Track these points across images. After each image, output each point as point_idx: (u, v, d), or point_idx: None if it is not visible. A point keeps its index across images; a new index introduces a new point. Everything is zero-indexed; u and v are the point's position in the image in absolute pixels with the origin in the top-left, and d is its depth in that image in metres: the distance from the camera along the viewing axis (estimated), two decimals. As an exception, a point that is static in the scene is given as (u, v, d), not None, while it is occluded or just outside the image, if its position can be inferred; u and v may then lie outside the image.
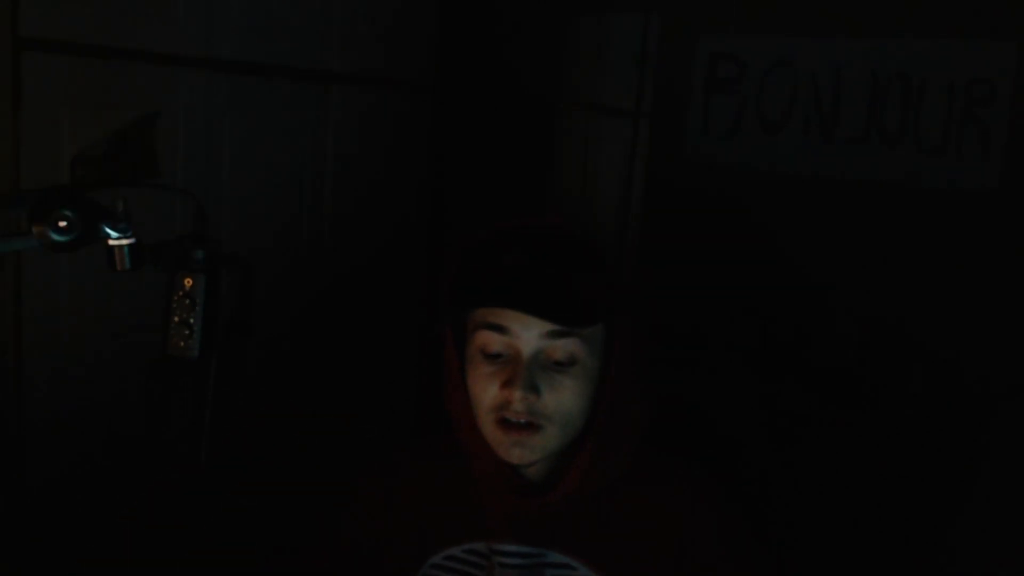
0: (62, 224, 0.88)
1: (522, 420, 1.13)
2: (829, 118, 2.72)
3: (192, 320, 0.95)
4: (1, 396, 1.97)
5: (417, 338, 2.85)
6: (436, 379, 1.24)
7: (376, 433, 2.64)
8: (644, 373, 1.19)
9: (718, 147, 2.89)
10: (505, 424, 1.14)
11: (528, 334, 1.13)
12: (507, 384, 1.13)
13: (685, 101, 2.94)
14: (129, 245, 0.92)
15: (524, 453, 1.14)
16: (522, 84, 2.98)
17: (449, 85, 2.89)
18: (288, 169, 2.51)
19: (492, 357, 1.15)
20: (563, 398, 1.14)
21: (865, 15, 2.64)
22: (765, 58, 2.80)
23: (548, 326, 1.12)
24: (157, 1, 2.14)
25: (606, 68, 3.31)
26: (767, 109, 2.81)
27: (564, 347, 1.13)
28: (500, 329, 1.14)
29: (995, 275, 2.47)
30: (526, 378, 1.12)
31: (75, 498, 2.08)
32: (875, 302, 2.61)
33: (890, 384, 2.50)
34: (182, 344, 0.95)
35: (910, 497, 2.32)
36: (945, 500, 2.30)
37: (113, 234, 0.91)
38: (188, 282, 0.95)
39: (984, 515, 2.26)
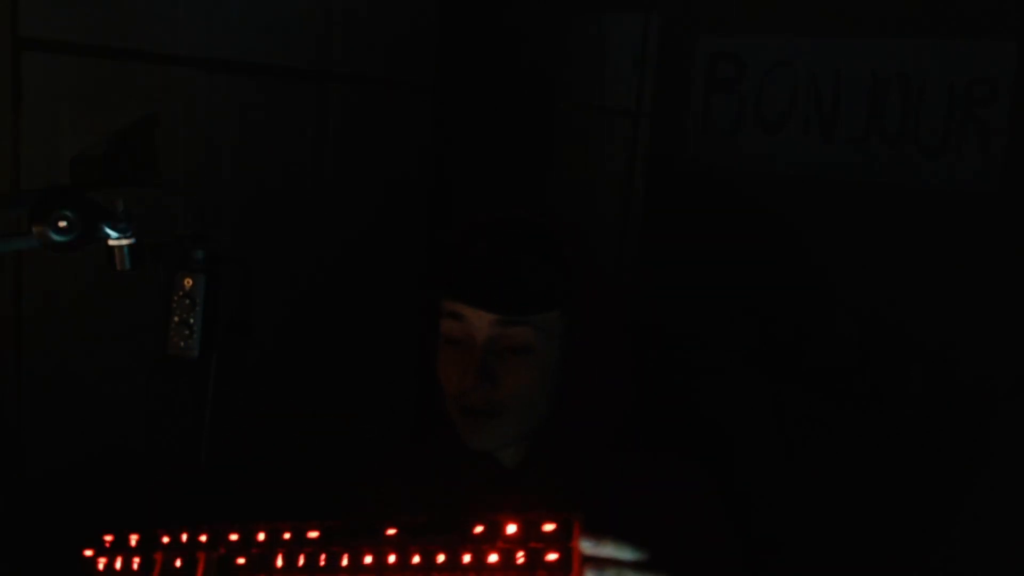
0: (62, 224, 0.88)
1: (479, 407, 1.17)
2: (829, 118, 2.72)
3: (192, 320, 0.95)
4: (0, 396, 1.97)
5: (416, 335, 2.85)
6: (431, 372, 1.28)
7: (376, 433, 2.64)
8: (612, 361, 1.22)
9: (718, 147, 2.89)
10: (464, 412, 1.18)
11: (480, 322, 1.17)
12: (464, 372, 1.17)
13: (685, 101, 2.94)
14: (129, 245, 0.92)
15: (483, 439, 1.19)
16: (522, 84, 2.99)
17: (449, 85, 2.89)
18: (288, 169, 2.51)
19: (454, 344, 1.20)
20: (518, 385, 1.18)
21: (865, 15, 2.64)
22: (765, 58, 2.80)
23: (498, 315, 1.17)
24: (157, 1, 2.14)
25: (606, 68, 3.31)
26: (767, 109, 2.81)
27: (517, 335, 1.18)
28: (456, 316, 1.19)
29: (995, 275, 2.47)
30: (480, 366, 1.16)
31: (75, 498, 2.08)
32: (875, 302, 2.61)
33: (890, 384, 2.50)
34: (182, 344, 0.95)
35: (910, 497, 2.32)
36: (945, 500, 2.30)
37: (113, 234, 0.91)
38: (188, 282, 0.95)
39: (984, 515, 2.26)
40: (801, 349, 2.64)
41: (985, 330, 2.48)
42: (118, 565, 1.12)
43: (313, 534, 1.04)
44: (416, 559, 0.97)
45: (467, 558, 0.96)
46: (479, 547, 0.96)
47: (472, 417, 1.17)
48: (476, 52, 2.93)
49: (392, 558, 0.98)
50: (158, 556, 1.10)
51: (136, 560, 1.11)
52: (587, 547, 0.93)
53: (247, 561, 1.06)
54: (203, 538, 1.10)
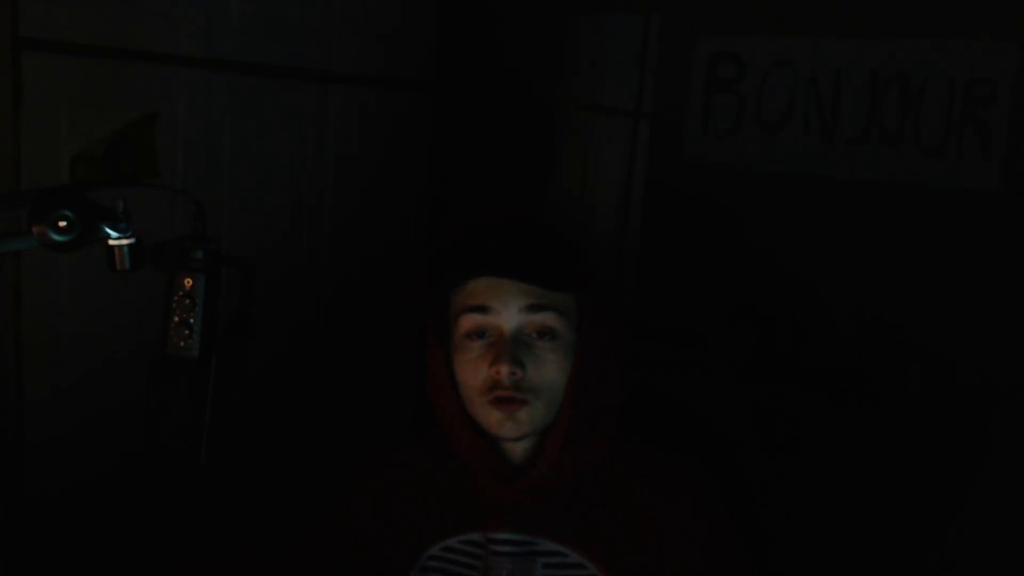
0: (62, 224, 0.88)
1: (510, 396, 1.18)
2: (829, 118, 2.72)
3: (192, 320, 0.95)
4: (1, 395, 1.97)
5: (415, 335, 2.85)
6: (422, 373, 1.27)
7: (375, 432, 2.64)
8: (615, 352, 1.23)
9: (718, 147, 2.90)
10: (496, 402, 1.18)
11: (507, 310, 1.18)
12: (494, 362, 1.18)
13: (685, 101, 2.94)
14: (129, 245, 0.92)
15: (515, 427, 1.19)
16: (522, 84, 2.99)
17: (449, 85, 2.89)
18: (288, 169, 2.51)
19: (477, 339, 1.20)
20: (546, 371, 1.19)
21: (865, 15, 2.64)
22: (765, 58, 2.80)
23: (525, 299, 1.18)
24: (157, 1, 2.14)
25: (606, 68, 3.31)
26: (767, 109, 2.81)
27: (543, 320, 1.19)
28: (481, 309, 1.19)
29: (995, 275, 2.47)
30: (510, 354, 1.17)
31: (75, 499, 2.08)
32: (875, 302, 2.61)
33: (890, 384, 2.50)
34: (182, 344, 0.95)
35: (910, 496, 2.32)
36: (945, 499, 2.30)
37: (113, 234, 0.91)
38: (188, 282, 0.95)
39: (984, 514, 2.26)
40: (801, 349, 2.64)
41: (985, 330, 2.48)
42: None
43: None
44: None
45: None
46: None
47: (504, 406, 1.17)
48: (476, 52, 2.94)
49: None
50: None
51: None
52: None
53: None
54: None
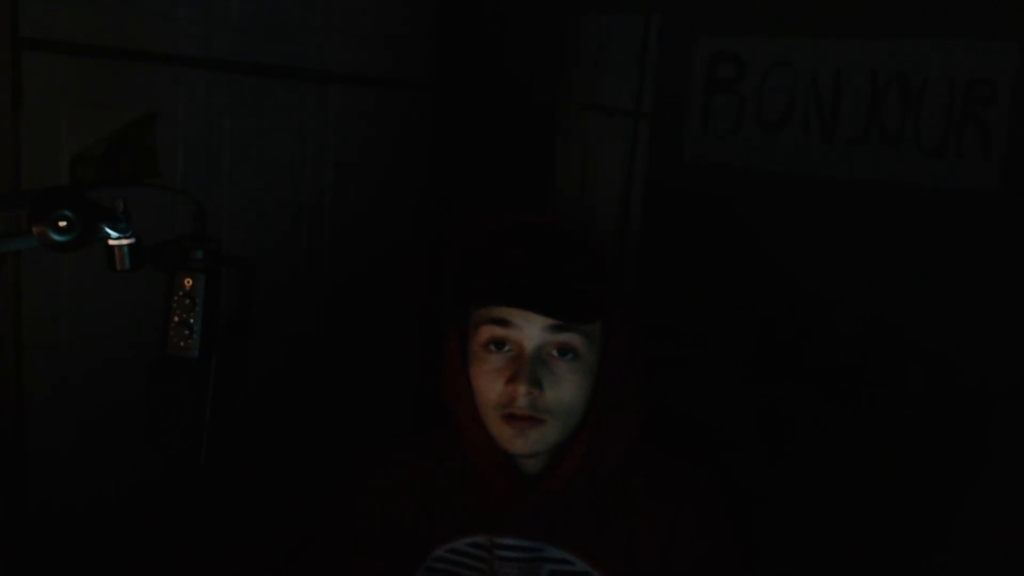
0: (62, 224, 0.88)
1: (526, 414, 1.16)
2: (829, 118, 2.72)
3: (192, 320, 0.95)
4: (1, 395, 1.97)
5: (415, 335, 2.85)
6: (435, 373, 1.25)
7: (375, 432, 2.64)
8: (637, 369, 1.22)
9: (718, 147, 2.90)
10: (509, 418, 1.17)
11: (531, 328, 1.15)
12: (511, 380, 1.15)
13: (685, 101, 2.94)
14: (129, 245, 0.92)
15: (527, 444, 1.17)
16: (522, 84, 2.99)
17: (449, 85, 2.89)
18: (288, 169, 2.51)
19: (496, 351, 1.17)
20: (564, 392, 1.17)
21: (865, 15, 2.64)
22: (765, 58, 2.80)
23: (550, 320, 1.15)
24: (157, 1, 2.14)
25: (606, 68, 3.31)
26: (767, 109, 2.81)
27: (566, 341, 1.16)
28: (503, 323, 1.16)
29: (995, 275, 2.47)
30: (530, 374, 1.15)
31: (75, 498, 2.08)
32: (875, 302, 2.61)
33: (890, 384, 2.50)
34: (182, 344, 0.95)
35: (909, 496, 2.32)
36: (944, 500, 2.30)
37: (113, 234, 0.91)
38: (188, 282, 0.95)
39: (983, 514, 2.26)
40: (801, 349, 2.64)
41: (985, 330, 2.48)
42: None
43: None
44: None
45: None
46: None
47: (516, 422, 1.15)
48: (476, 52, 2.94)
49: None
50: None
51: None
52: None
53: None
54: None
